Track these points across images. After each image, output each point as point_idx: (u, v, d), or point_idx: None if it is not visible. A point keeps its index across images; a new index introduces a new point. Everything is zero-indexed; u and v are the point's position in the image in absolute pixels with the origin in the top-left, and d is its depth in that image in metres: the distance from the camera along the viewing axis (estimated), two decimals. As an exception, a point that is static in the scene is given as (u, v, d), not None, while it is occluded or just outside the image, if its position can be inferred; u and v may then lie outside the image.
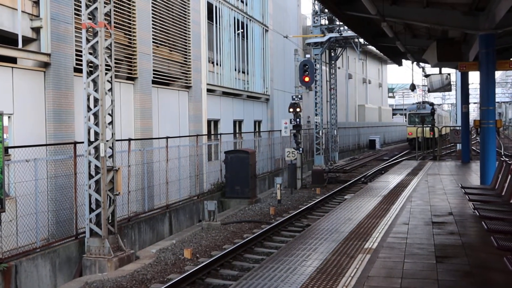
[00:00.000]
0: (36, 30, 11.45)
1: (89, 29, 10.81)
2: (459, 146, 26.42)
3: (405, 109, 69.41)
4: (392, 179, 16.25)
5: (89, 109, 10.82)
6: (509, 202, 8.09)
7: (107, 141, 10.88)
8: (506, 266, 4.94)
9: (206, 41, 19.64)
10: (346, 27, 26.84)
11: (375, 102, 59.73)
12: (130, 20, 14.60)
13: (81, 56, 11.15)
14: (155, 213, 14.01)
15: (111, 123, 11.10)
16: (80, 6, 11.02)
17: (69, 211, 11.10)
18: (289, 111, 22.73)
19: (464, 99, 21.27)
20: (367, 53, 52.16)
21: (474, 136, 35.36)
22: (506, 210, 7.52)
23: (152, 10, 15.77)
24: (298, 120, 22.61)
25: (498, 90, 64.25)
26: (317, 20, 28.83)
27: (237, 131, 23.47)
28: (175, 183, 15.66)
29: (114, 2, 12.18)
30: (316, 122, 28.18)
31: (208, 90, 19.76)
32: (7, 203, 8.98)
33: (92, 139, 10.84)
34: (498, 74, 69.18)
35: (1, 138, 8.62)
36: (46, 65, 11.37)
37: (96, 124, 10.79)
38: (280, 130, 24.69)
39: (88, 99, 10.84)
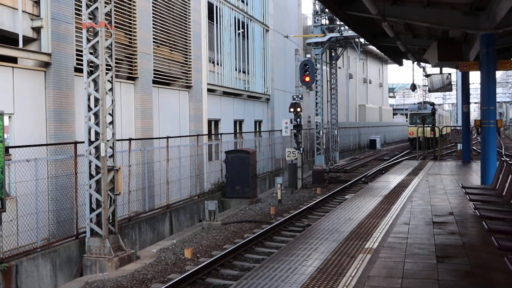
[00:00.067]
0: (37, 30, 11.45)
1: (90, 29, 10.81)
2: (459, 146, 26.40)
3: (406, 109, 69.44)
4: (392, 179, 16.25)
5: (89, 109, 10.82)
6: (509, 202, 8.08)
7: (107, 141, 10.88)
8: (507, 266, 4.93)
9: (207, 41, 19.65)
10: (346, 27, 26.83)
11: (375, 102, 59.72)
12: (130, 20, 14.60)
13: (81, 56, 11.15)
14: (155, 213, 14.01)
15: (111, 123, 11.10)
16: (81, 6, 11.02)
17: (70, 211, 11.10)
18: (290, 111, 22.72)
19: (465, 99, 21.26)
20: (368, 53, 52.15)
21: (475, 136, 35.38)
22: (507, 210, 7.51)
23: (153, 10, 15.77)
24: (298, 120, 22.61)
25: (498, 90, 64.20)
26: (317, 20, 28.82)
27: (238, 131, 23.47)
28: (175, 183, 15.66)
29: (114, 2, 12.19)
30: (317, 122, 28.17)
31: (209, 90, 19.76)
32: (7, 202, 8.99)
33: (92, 139, 10.85)
34: (499, 74, 69.15)
35: (1, 138, 8.63)
36: (46, 65, 11.37)
37: (97, 124, 10.79)
38: (281, 130, 24.69)
39: (89, 99, 10.84)
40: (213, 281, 9.59)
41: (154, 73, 15.82)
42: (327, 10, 26.66)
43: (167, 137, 15.11)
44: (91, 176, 10.83)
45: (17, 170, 9.72)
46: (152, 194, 14.54)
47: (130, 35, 14.65)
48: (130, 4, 14.56)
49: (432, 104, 40.03)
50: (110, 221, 10.97)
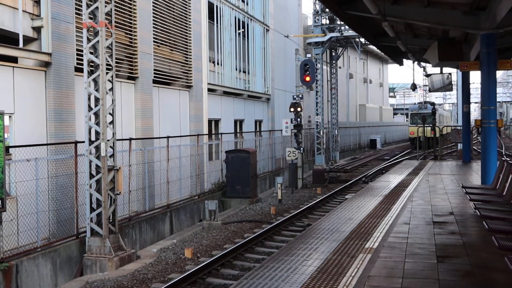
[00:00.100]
0: (37, 29, 11.45)
1: (90, 29, 10.81)
2: (460, 146, 26.39)
3: (406, 109, 69.46)
4: (393, 179, 16.24)
5: (90, 108, 10.82)
6: (510, 202, 8.07)
7: (108, 140, 10.88)
8: (507, 266, 4.93)
9: (207, 40, 19.65)
10: (347, 27, 26.83)
11: (376, 102, 59.71)
12: (131, 19, 14.60)
13: (82, 55, 11.15)
14: (156, 212, 14.01)
15: (112, 122, 11.11)
16: (81, 6, 11.02)
17: (70, 210, 11.11)
18: (290, 111, 22.71)
19: (465, 98, 21.25)
20: (368, 52, 52.14)
21: (475, 135, 35.36)
22: (507, 210, 7.50)
23: (153, 9, 15.77)
24: (299, 119, 22.60)
25: (499, 89, 64.21)
26: (318, 19, 28.81)
27: (238, 131, 23.46)
28: (176, 183, 15.66)
29: (115, 2, 12.18)
30: (317, 121, 28.16)
31: (209, 90, 19.76)
32: (8, 202, 8.99)
33: (93, 138, 10.85)
34: (499, 74, 69.16)
35: (2, 137, 8.63)
36: (47, 64, 11.37)
37: (97, 124, 10.80)
38: (281, 130, 24.68)
39: (89, 98, 10.84)
40: (213, 281, 9.59)
41: (155, 73, 15.82)
42: (327, 9, 26.67)
43: (168, 137, 15.11)
44: (91, 176, 10.83)
45: (18, 170, 9.72)
46: (153, 193, 14.55)
47: (131, 34, 14.65)
48: (130, 4, 14.56)
49: (433, 104, 40.07)
50: (111, 220, 10.98)
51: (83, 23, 10.75)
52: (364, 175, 25.15)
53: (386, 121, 62.10)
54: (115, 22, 12.25)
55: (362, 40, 29.01)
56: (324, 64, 30.93)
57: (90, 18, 10.78)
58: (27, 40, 11.26)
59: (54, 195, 10.90)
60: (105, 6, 10.88)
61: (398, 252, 7.21)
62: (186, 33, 18.09)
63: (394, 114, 79.14)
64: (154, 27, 15.81)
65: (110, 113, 11.06)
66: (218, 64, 21.03)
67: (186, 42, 18.11)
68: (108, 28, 10.95)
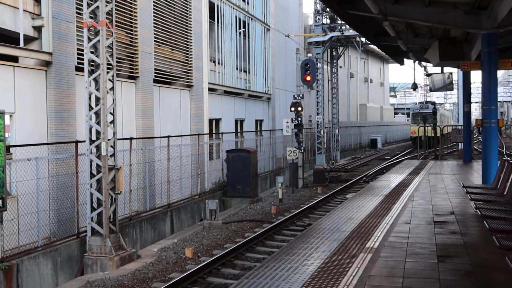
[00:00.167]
0: (38, 29, 11.45)
1: (91, 28, 10.81)
2: (461, 146, 26.38)
3: (407, 109, 69.41)
4: (393, 178, 16.23)
5: (90, 108, 10.82)
6: (511, 202, 8.06)
7: (108, 140, 10.88)
8: (508, 265, 4.92)
9: (208, 40, 19.64)
10: (347, 26, 26.81)
11: (376, 101, 59.68)
12: (131, 19, 14.60)
13: (82, 55, 11.15)
14: (156, 212, 14.01)
15: (112, 122, 11.11)
16: (82, 5, 11.02)
17: (71, 210, 11.11)
18: (291, 110, 22.70)
19: (466, 98, 21.23)
20: (369, 52, 52.12)
21: (476, 135, 35.34)
22: (508, 210, 7.50)
23: (154, 9, 15.76)
24: (299, 119, 22.59)
25: (500, 89, 64.16)
26: (318, 19, 28.80)
27: (239, 130, 23.46)
28: (176, 182, 15.66)
29: (115, 1, 12.19)
30: (318, 121, 28.15)
31: (210, 89, 19.75)
32: (8, 201, 8.99)
33: (93, 138, 10.85)
34: (500, 74, 69.10)
35: (2, 137, 8.63)
36: (47, 64, 11.37)
37: (98, 123, 10.80)
38: (282, 129, 24.67)
39: (90, 98, 10.84)
40: (214, 280, 9.59)
41: (155, 72, 15.82)
42: (328, 9, 26.65)
43: (168, 136, 15.11)
44: (92, 175, 10.83)
45: (18, 169, 9.72)
46: (153, 193, 14.55)
47: (131, 34, 14.65)
48: (131, 3, 14.56)
49: (434, 103, 40.15)
50: (111, 220, 10.98)
51: (84, 22, 10.75)
52: (364, 174, 25.14)
53: (386, 121, 62.08)
54: (116, 21, 12.26)
55: (363, 39, 29.00)
56: (325, 64, 30.92)
57: (91, 18, 10.78)
58: (28, 39, 11.26)
59: (54, 195, 10.91)
60: (106, 5, 10.87)
61: (398, 252, 7.20)
62: (187, 32, 18.08)
63: (395, 113, 79.12)
64: (155, 26, 15.80)
65: (110, 113, 11.06)
66: (218, 63, 21.03)
67: (187, 41, 18.11)
68: (108, 27, 10.95)
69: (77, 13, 12.09)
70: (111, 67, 11.08)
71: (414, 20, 13.77)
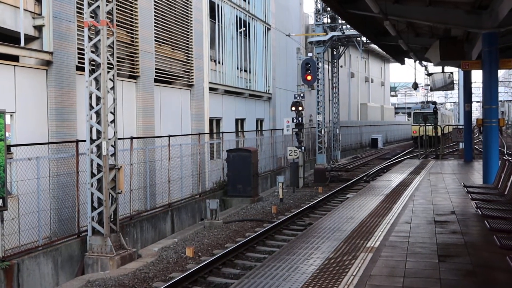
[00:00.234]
0: (39, 28, 11.45)
1: (91, 27, 10.81)
2: (461, 145, 26.36)
3: (408, 108, 69.42)
4: (394, 178, 16.22)
5: (91, 107, 10.82)
6: (511, 201, 8.06)
7: (109, 139, 10.89)
8: (509, 265, 4.92)
9: (208, 39, 19.64)
10: (348, 26, 26.81)
11: (377, 101, 59.66)
12: (132, 18, 14.60)
13: (83, 54, 11.15)
14: (157, 211, 14.02)
15: (113, 121, 11.11)
16: (82, 4, 11.01)
17: (71, 209, 11.11)
18: (291, 110, 22.70)
19: (467, 98, 21.22)
20: (370, 51, 52.10)
21: (477, 135, 35.33)
22: (509, 209, 7.49)
23: (155, 8, 15.76)
24: (300, 118, 22.59)
25: (501, 88, 64.13)
26: (319, 18, 28.80)
27: (239, 130, 23.46)
28: (177, 182, 15.66)
29: (116, 0, 12.18)
30: (318, 120, 28.16)
31: (210, 89, 19.75)
32: (9, 201, 8.99)
33: (94, 137, 10.85)
34: (501, 73, 69.04)
35: (3, 136, 8.63)
36: (48, 63, 11.37)
37: (98, 123, 10.80)
38: (282, 129, 24.66)
39: (90, 97, 10.84)
40: (214, 280, 9.59)
41: (156, 72, 15.82)
42: (329, 8, 26.63)
43: (169, 136, 15.11)
44: (92, 175, 10.83)
45: (19, 169, 9.72)
46: (154, 192, 14.54)
47: (132, 33, 14.65)
48: (131, 3, 14.56)
49: (434, 103, 40.27)
50: (112, 219, 10.98)
51: (85, 21, 10.75)
52: (365, 174, 25.13)
53: (387, 120, 62.07)
54: (117, 21, 12.25)
55: (364, 39, 28.99)
56: (325, 63, 30.93)
57: (92, 17, 10.78)
58: (29, 39, 11.26)
59: (55, 194, 10.91)
60: (107, 4, 10.87)
61: (399, 251, 7.19)
62: (188, 32, 18.08)
63: (396, 113, 79.10)
64: (155, 26, 15.80)
65: (111, 112, 11.05)
66: (219, 63, 21.03)
67: (188, 41, 18.11)
68: (109, 27, 10.95)
69: (77, 12, 12.09)
70: (111, 66, 11.08)
71: (415, 19, 13.76)
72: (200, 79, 18.79)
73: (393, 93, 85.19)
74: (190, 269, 9.94)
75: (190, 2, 18.15)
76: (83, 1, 10.91)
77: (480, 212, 7.48)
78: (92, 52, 10.81)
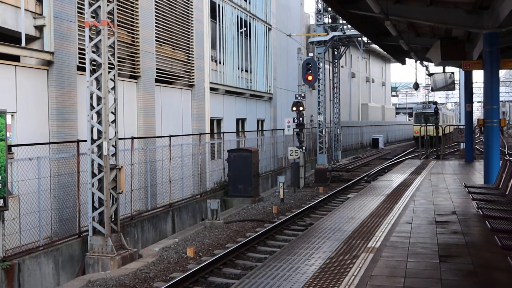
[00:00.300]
0: (39, 28, 11.45)
1: (92, 28, 10.81)
2: (462, 145, 26.34)
3: (409, 108, 69.41)
4: (395, 178, 16.21)
5: (92, 107, 10.82)
6: (513, 201, 8.05)
7: (110, 139, 10.89)
8: (510, 265, 4.92)
9: (209, 39, 19.64)
10: (349, 26, 26.81)
11: (378, 101, 59.63)
12: (133, 18, 14.60)
13: (84, 54, 11.15)
14: (158, 211, 14.02)
15: (114, 121, 11.11)
16: (83, 5, 11.02)
17: (72, 209, 11.11)
18: (292, 110, 22.70)
19: (468, 98, 21.21)
20: (371, 51, 52.07)
21: (478, 135, 35.28)
22: (510, 210, 7.48)
23: (155, 8, 15.76)
24: (301, 119, 22.59)
25: (502, 89, 64.04)
26: (320, 18, 28.79)
27: (240, 130, 23.46)
28: (178, 182, 15.66)
29: (117, 1, 12.19)
30: (319, 121, 28.15)
31: (211, 89, 19.75)
32: (10, 201, 8.99)
33: (95, 137, 10.86)
34: (502, 73, 68.99)
35: (4, 136, 8.64)
36: (49, 63, 11.37)
37: (99, 123, 10.80)
38: (283, 129, 24.66)
39: (91, 97, 10.84)
40: (215, 280, 9.58)
41: (157, 72, 15.82)
42: (329, 8, 26.64)
43: (170, 136, 15.11)
44: (93, 175, 10.83)
45: (20, 169, 9.72)
46: (155, 192, 14.54)
47: (133, 33, 14.65)
48: (132, 3, 14.56)
49: (435, 103, 40.35)
50: (113, 219, 10.98)
51: (85, 22, 10.75)
52: (366, 174, 25.12)
53: (388, 120, 62.04)
54: (117, 21, 12.25)
55: (365, 39, 28.99)
56: (326, 63, 30.92)
57: (93, 17, 10.79)
58: (30, 39, 11.27)
59: (56, 194, 10.91)
60: (107, 5, 10.87)
61: (400, 252, 7.19)
62: (188, 32, 18.08)
63: (397, 113, 79.05)
64: (156, 26, 15.80)
65: (112, 112, 11.06)
66: (220, 63, 21.03)
67: (188, 41, 18.11)
68: (110, 27, 10.95)
69: (78, 12, 12.09)
70: (112, 66, 11.08)
71: (416, 19, 13.75)
72: (201, 79, 18.80)
73: (394, 93, 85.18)
74: (191, 269, 9.94)
75: (191, 2, 18.15)
76: (84, 1, 10.91)
77: (481, 213, 7.47)
78: (93, 52, 10.82)
